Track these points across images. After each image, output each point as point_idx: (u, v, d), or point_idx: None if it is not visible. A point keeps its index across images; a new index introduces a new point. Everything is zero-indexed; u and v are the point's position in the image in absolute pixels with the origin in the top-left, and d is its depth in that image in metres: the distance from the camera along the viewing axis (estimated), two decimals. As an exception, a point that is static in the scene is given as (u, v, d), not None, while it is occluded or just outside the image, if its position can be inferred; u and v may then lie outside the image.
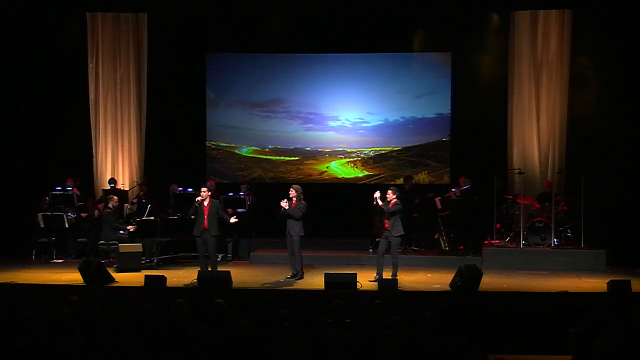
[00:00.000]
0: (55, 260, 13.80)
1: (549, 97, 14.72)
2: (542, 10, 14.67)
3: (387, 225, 11.56)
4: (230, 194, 14.42)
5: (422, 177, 15.64)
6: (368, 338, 6.86)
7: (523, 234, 13.50)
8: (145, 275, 11.09)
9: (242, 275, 12.03)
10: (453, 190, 14.25)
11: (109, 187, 14.65)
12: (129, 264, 12.48)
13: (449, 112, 15.52)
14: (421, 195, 14.39)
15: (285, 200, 11.79)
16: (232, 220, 12.10)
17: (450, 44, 15.37)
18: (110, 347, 6.68)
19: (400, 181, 14.92)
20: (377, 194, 11.55)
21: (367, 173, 15.92)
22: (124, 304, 8.46)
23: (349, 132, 15.91)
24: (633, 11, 13.96)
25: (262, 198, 14.80)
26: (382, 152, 15.86)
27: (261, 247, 14.49)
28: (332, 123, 15.95)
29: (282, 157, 16.10)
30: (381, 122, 15.81)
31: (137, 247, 12.77)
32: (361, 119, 15.87)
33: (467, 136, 15.28)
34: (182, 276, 11.96)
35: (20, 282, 11.27)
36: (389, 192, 11.59)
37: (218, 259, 12.96)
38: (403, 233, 11.69)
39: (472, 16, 14.94)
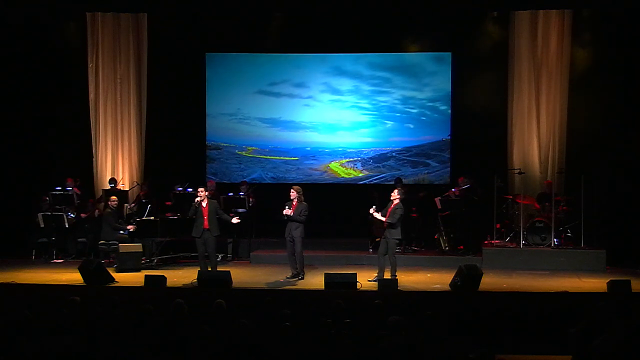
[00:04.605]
0: (55, 260, 13.79)
1: (549, 97, 14.73)
2: (542, 10, 14.67)
3: (386, 225, 11.55)
4: (230, 194, 14.44)
5: (422, 177, 15.65)
6: (368, 338, 6.86)
7: (523, 234, 13.50)
8: (145, 275, 11.08)
9: (242, 275, 12.03)
10: (453, 190, 14.26)
11: (109, 187, 14.66)
12: (129, 264, 12.47)
13: (449, 112, 15.53)
14: (416, 195, 14.42)
15: (287, 207, 11.75)
16: (235, 220, 12.10)
17: (450, 44, 15.36)
18: (110, 347, 6.68)
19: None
20: (372, 210, 11.50)
21: (367, 173, 15.92)
22: (124, 304, 8.45)
23: (348, 132, 15.91)
24: (633, 11, 13.97)
25: (262, 198, 14.81)
26: (382, 152, 15.86)
27: (261, 247, 14.48)
28: (332, 123, 15.95)
29: (282, 157, 16.11)
30: (381, 122, 15.82)
31: (137, 247, 12.76)
32: (361, 119, 15.87)
33: (467, 136, 15.28)
34: (182, 276, 11.95)
35: (20, 282, 11.26)
36: (395, 191, 11.57)
37: (218, 259, 12.96)
38: (400, 237, 11.66)
39: (472, 16, 14.94)
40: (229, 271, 11.11)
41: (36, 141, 15.34)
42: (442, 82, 15.55)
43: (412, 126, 15.75)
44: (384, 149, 15.85)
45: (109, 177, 15.10)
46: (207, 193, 11.98)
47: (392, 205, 11.44)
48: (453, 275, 10.84)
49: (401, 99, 15.75)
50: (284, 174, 16.04)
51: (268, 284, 11.45)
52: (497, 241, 13.81)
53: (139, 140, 15.65)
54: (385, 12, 14.91)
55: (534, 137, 14.79)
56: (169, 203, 14.13)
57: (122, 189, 14.91)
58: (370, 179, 15.87)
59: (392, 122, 15.81)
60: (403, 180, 14.78)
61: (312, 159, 16.02)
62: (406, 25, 15.22)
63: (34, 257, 14.07)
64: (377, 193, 13.35)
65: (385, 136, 15.83)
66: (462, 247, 13.99)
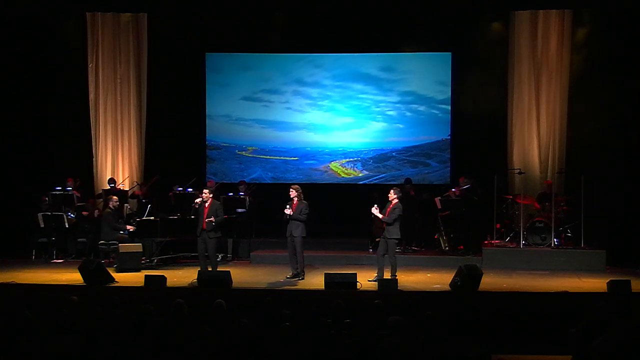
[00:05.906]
0: (55, 260, 13.79)
1: (549, 97, 14.73)
2: (542, 11, 14.67)
3: (384, 225, 11.54)
4: (230, 194, 14.44)
5: (422, 177, 15.65)
6: (368, 338, 6.86)
7: (523, 234, 13.50)
8: (145, 275, 11.07)
9: (242, 275, 12.02)
10: (453, 190, 14.26)
11: (109, 187, 14.65)
12: (129, 264, 12.47)
13: (449, 112, 15.53)
14: (419, 197, 14.41)
15: (287, 206, 11.75)
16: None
17: (450, 44, 15.37)
18: (110, 347, 6.68)
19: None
20: (373, 209, 11.49)
21: (367, 173, 15.91)
22: (124, 304, 8.46)
23: (349, 131, 15.90)
24: (633, 11, 13.97)
25: (262, 198, 14.81)
26: (382, 152, 15.86)
27: (261, 247, 14.48)
28: (331, 123, 15.95)
29: (282, 157, 16.10)
30: (381, 122, 15.82)
31: (137, 247, 12.76)
32: (361, 118, 15.87)
33: (467, 136, 15.29)
34: (182, 276, 11.95)
35: (20, 282, 11.25)
36: (391, 191, 11.54)
37: (218, 259, 12.96)
38: (399, 237, 11.64)
39: (472, 16, 14.95)
40: (229, 271, 11.11)
41: (36, 141, 15.34)
42: (442, 82, 15.54)
43: (412, 126, 15.74)
44: (383, 149, 15.85)
45: (108, 177, 15.09)
46: (210, 195, 11.95)
47: (391, 205, 11.43)
48: (453, 275, 10.83)
49: (400, 99, 15.74)
50: (284, 174, 16.04)
51: (268, 284, 11.45)
52: (497, 241, 13.81)
53: (139, 140, 15.65)
54: (385, 13, 14.91)
55: (534, 137, 14.79)
56: (171, 195, 14.11)
57: (122, 188, 14.90)
58: (370, 179, 15.87)
59: (392, 122, 15.80)
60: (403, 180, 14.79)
61: (312, 159, 16.02)
62: (406, 24, 15.22)
63: (34, 257, 14.06)
64: (377, 193, 13.34)
65: (385, 136, 15.82)
66: (462, 247, 13.99)
